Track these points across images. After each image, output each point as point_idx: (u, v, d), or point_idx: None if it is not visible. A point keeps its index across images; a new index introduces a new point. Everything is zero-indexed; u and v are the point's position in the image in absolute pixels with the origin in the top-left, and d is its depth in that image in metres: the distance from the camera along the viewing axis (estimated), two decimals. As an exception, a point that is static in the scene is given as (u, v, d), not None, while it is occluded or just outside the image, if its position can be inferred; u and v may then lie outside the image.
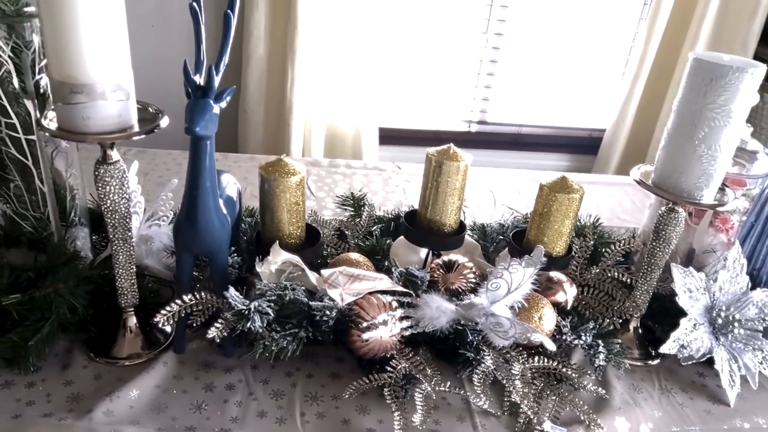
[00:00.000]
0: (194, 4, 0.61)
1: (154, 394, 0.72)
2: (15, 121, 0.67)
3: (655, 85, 2.13)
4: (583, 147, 2.40)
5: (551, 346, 0.71)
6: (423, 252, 0.86)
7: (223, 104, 0.64)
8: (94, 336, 0.78)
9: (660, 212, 0.79)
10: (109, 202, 0.69)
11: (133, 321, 0.78)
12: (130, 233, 0.72)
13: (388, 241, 0.90)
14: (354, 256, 0.82)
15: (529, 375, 0.75)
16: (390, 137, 2.22)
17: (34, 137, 0.69)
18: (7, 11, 0.64)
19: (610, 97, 2.36)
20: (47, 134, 0.65)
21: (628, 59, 2.28)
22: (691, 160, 0.73)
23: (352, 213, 0.98)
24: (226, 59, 0.65)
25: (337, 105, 2.06)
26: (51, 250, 0.73)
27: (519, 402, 0.71)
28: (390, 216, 0.99)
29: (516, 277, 0.72)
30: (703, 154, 0.72)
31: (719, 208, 0.87)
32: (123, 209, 0.70)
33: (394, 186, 1.33)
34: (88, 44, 0.59)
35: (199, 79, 0.63)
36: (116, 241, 0.72)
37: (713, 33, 2.01)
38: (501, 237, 0.95)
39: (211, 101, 0.63)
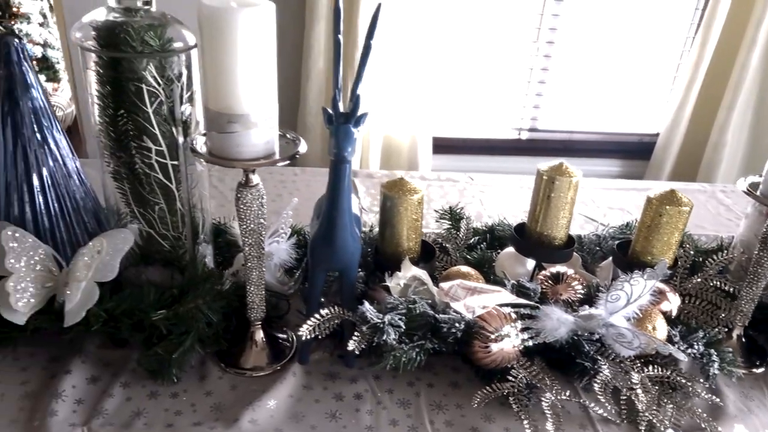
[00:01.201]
0: (339, 37, 0.65)
1: (289, 403, 0.76)
2: (164, 148, 0.71)
3: (710, 90, 2.13)
4: (634, 152, 2.40)
5: (682, 357, 0.73)
6: (530, 264, 0.89)
7: (361, 128, 0.68)
8: (225, 348, 0.82)
9: (769, 223, 0.81)
10: (248, 222, 0.73)
11: (260, 334, 0.82)
12: (263, 251, 0.76)
13: (492, 253, 0.93)
14: (465, 269, 0.86)
15: (649, 383, 0.77)
16: (442, 146, 2.26)
17: (177, 162, 0.74)
18: (155, 46, 0.69)
19: (661, 102, 2.37)
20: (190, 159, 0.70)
21: (679, 64, 2.28)
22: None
23: (449, 226, 1.01)
24: (360, 85, 0.68)
25: (393, 116, 2.10)
26: (191, 269, 0.77)
27: (644, 410, 0.74)
28: (485, 228, 1.02)
29: (636, 289, 0.75)
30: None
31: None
32: (260, 230, 0.74)
33: (471, 197, 1.35)
34: (246, 78, 0.63)
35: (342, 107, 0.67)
36: (251, 259, 0.76)
37: (770, 37, 2.01)
38: (598, 248, 0.98)
39: (352, 127, 0.67)
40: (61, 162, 0.77)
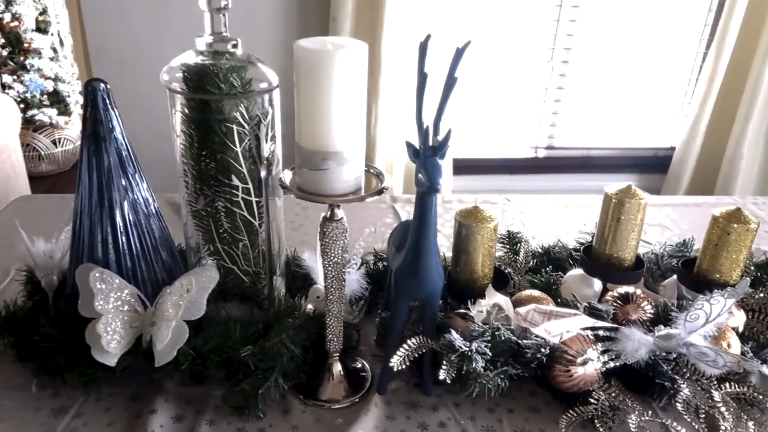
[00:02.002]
0: (426, 72, 0.67)
1: (377, 434, 0.76)
2: (250, 185, 0.73)
3: (724, 104, 2.17)
4: (651, 166, 2.43)
5: None
6: (597, 285, 0.90)
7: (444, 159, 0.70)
8: (303, 381, 0.82)
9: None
10: (332, 256, 0.74)
11: (338, 366, 0.83)
12: (344, 284, 0.77)
13: (555, 276, 0.94)
14: (536, 293, 0.87)
15: (729, 400, 0.78)
16: (460, 167, 2.28)
17: (261, 199, 0.75)
18: (239, 87, 0.70)
19: (675, 116, 2.41)
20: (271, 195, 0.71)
21: (689, 78, 2.33)
22: None
23: (507, 250, 1.02)
24: (442, 118, 0.70)
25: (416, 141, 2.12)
26: (272, 303, 0.78)
27: (730, 429, 0.74)
28: (541, 251, 1.04)
29: (716, 308, 0.76)
30: None
31: None
32: (343, 263, 0.75)
33: (511, 218, 1.37)
34: (340, 117, 0.64)
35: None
36: (332, 292, 0.77)
37: (782, 51, 2.05)
38: (656, 267, 0.99)
39: (438, 159, 0.68)
40: (141, 202, 0.78)
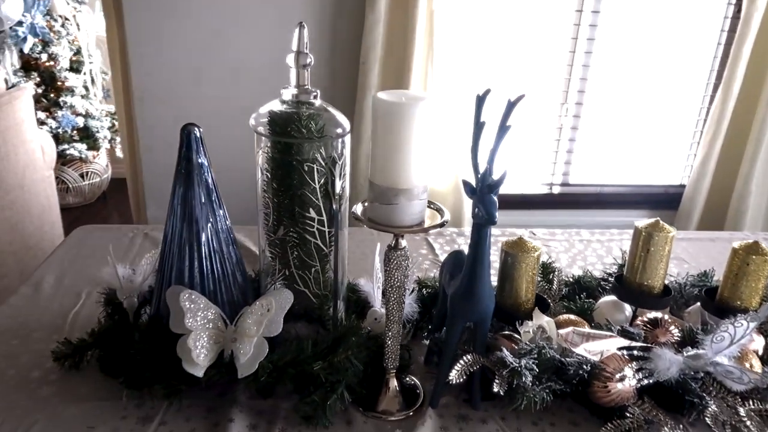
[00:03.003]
0: (483, 121, 0.77)
1: (434, 451, 0.84)
2: (324, 217, 0.82)
3: (732, 144, 2.28)
4: (662, 203, 2.53)
5: None
6: (628, 311, 0.99)
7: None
8: (362, 395, 0.90)
9: None
10: (394, 281, 0.83)
11: (394, 382, 0.91)
12: (403, 307, 0.86)
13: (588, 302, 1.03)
14: (573, 317, 0.95)
15: (754, 416, 0.86)
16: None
17: (332, 230, 0.84)
18: (315, 131, 0.81)
19: (684, 155, 2.52)
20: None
21: (698, 119, 2.44)
22: None
23: (541, 279, 1.11)
24: (495, 160, 0.80)
25: (438, 173, 2.23)
26: (342, 324, 0.87)
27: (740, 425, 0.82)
28: (572, 280, 1.12)
29: (740, 331, 0.84)
30: None
31: None
32: (404, 287, 0.84)
33: (537, 251, 1.46)
34: (412, 160, 0.74)
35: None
36: (393, 313, 0.86)
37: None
38: (680, 295, 1.08)
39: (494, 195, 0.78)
40: (222, 231, 0.87)
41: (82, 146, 3.25)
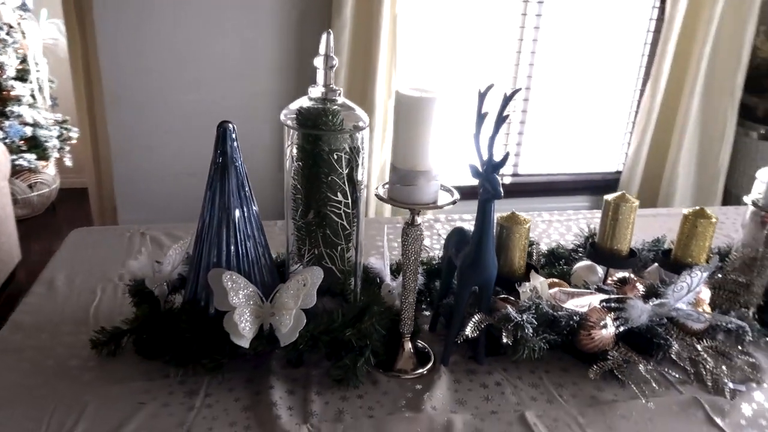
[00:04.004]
0: (486, 112, 0.90)
1: (451, 394, 0.96)
2: (349, 200, 0.94)
3: (661, 133, 2.54)
4: (600, 188, 2.77)
5: (740, 323, 1.01)
6: (600, 273, 1.15)
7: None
8: (382, 359, 1.02)
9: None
10: (410, 254, 0.96)
11: (409, 345, 1.03)
12: (417, 277, 0.99)
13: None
14: (556, 280, 1.11)
15: (709, 350, 1.04)
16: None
17: (355, 211, 0.96)
18: (338, 125, 0.92)
19: (619, 144, 2.77)
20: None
21: (630, 111, 2.70)
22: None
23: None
24: (494, 144, 0.94)
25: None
26: (365, 296, 0.98)
27: (712, 370, 1.00)
28: (547, 252, 1.29)
29: (695, 280, 1.02)
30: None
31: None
32: (418, 259, 0.96)
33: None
34: (431, 144, 0.87)
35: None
36: (408, 284, 0.98)
37: (705, 87, 2.44)
38: (638, 259, 1.25)
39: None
40: (253, 219, 0.97)
41: (32, 156, 3.18)
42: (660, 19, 2.49)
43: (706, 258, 1.14)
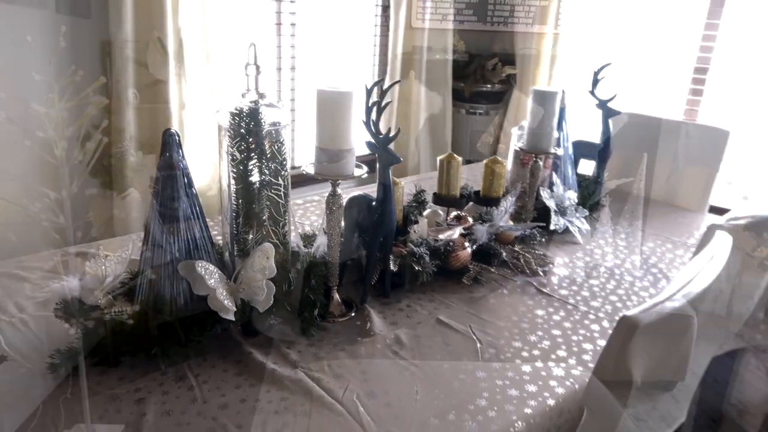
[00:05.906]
0: (377, 101, 1.19)
1: (384, 323, 1.24)
2: (288, 183, 1.13)
3: (401, 119, 3.11)
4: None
5: (535, 232, 1.50)
6: (442, 214, 1.55)
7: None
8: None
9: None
10: (333, 219, 1.20)
11: (336, 295, 1.27)
12: (340, 240, 1.23)
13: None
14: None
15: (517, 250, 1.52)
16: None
17: (282, 190, 1.15)
18: (265, 123, 1.11)
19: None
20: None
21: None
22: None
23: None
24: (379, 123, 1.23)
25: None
26: (295, 263, 1.18)
27: (527, 262, 1.48)
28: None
29: (509, 203, 1.48)
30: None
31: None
32: (339, 224, 1.21)
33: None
34: (350, 126, 1.13)
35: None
36: (333, 246, 1.22)
37: (427, 81, 3.08)
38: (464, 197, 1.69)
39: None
40: (197, 211, 1.09)
41: None
42: (385, 26, 3.05)
43: (504, 191, 1.63)
